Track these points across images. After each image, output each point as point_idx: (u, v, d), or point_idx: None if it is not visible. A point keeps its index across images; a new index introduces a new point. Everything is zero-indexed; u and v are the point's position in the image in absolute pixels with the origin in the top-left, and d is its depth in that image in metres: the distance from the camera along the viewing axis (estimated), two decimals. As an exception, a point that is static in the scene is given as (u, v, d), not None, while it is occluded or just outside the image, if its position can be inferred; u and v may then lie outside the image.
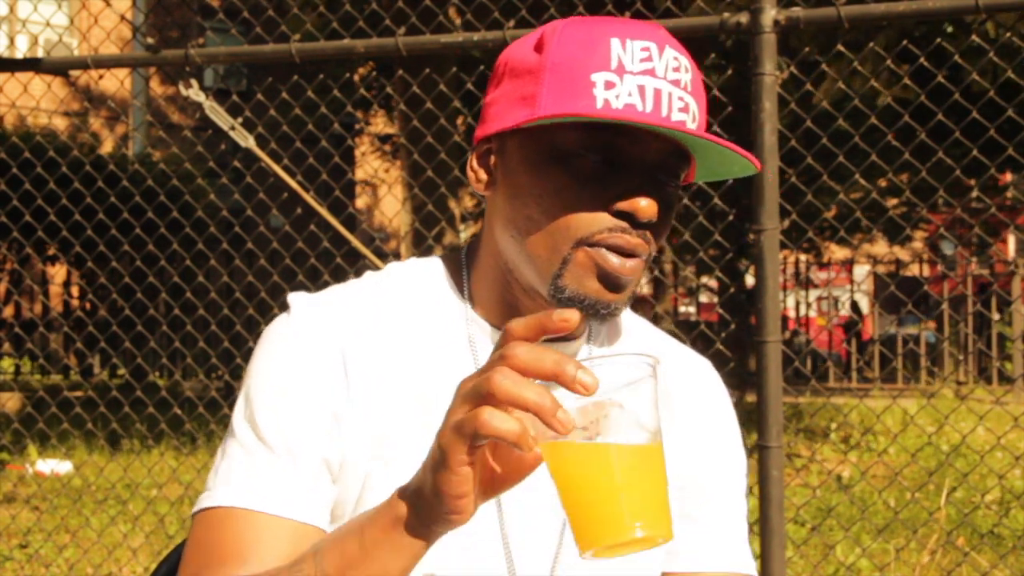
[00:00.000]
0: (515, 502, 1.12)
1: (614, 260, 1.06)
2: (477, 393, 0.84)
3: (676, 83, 1.07)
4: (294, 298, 1.16)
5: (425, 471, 0.89)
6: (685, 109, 1.07)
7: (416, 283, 1.20)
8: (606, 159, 1.06)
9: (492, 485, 0.91)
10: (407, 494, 0.91)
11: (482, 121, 1.16)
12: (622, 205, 1.06)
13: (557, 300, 1.08)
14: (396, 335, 1.13)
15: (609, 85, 1.05)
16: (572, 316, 0.85)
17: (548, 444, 0.87)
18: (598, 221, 1.06)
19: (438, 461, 0.87)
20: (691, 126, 1.07)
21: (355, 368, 1.11)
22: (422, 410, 1.10)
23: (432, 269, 1.21)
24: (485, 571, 1.10)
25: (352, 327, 1.13)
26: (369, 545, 0.91)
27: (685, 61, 1.09)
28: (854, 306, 17.23)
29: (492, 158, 1.15)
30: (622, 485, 0.85)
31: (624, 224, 1.06)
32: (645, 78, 1.05)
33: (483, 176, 1.16)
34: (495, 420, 0.83)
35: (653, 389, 0.88)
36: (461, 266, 1.21)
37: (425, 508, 0.89)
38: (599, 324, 1.20)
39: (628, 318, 1.29)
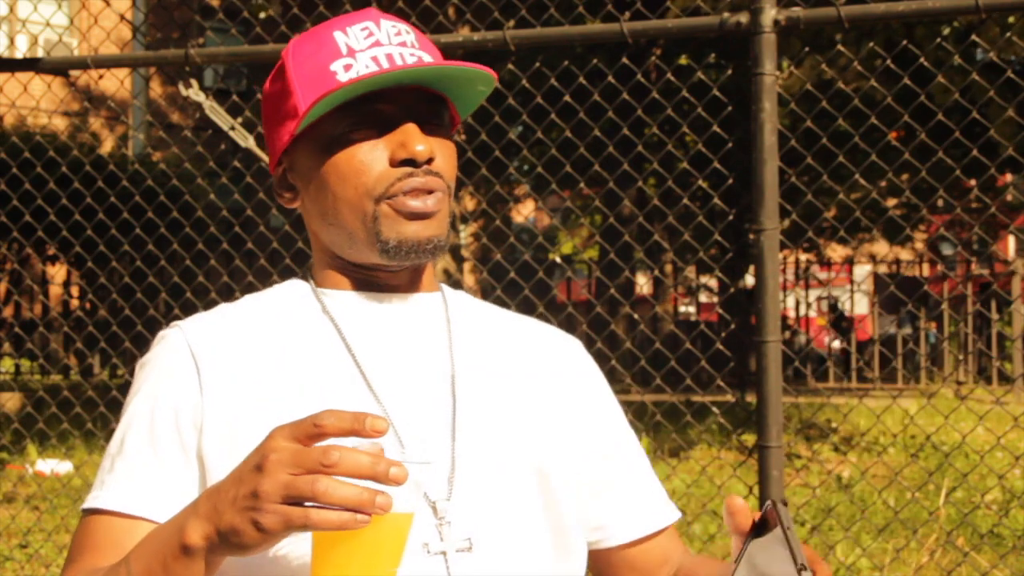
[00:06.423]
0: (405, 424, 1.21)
1: (413, 203, 1.20)
2: (300, 494, 0.90)
3: (403, 44, 1.23)
4: (160, 333, 1.29)
5: (232, 514, 0.94)
6: (419, 63, 1.21)
7: (275, 294, 1.32)
8: (371, 125, 1.21)
9: None
10: (205, 528, 0.97)
11: (270, 155, 1.31)
12: (399, 154, 1.20)
13: (387, 253, 1.21)
14: (255, 335, 1.25)
15: (347, 67, 1.21)
16: (382, 426, 0.92)
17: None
18: (385, 177, 1.20)
19: (263, 522, 0.92)
20: None
21: (209, 375, 1.20)
22: (290, 381, 1.21)
23: (289, 283, 1.34)
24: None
25: (207, 340, 1.23)
26: (168, 565, 1.00)
27: (403, 27, 1.25)
28: (833, 308, 17.33)
29: (288, 176, 1.30)
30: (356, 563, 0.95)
31: (408, 169, 1.20)
32: (374, 50, 1.21)
33: (288, 195, 1.30)
34: (325, 522, 0.90)
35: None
36: (307, 277, 1.33)
37: (230, 543, 0.95)
38: (424, 260, 1.26)
39: (484, 307, 1.38)
